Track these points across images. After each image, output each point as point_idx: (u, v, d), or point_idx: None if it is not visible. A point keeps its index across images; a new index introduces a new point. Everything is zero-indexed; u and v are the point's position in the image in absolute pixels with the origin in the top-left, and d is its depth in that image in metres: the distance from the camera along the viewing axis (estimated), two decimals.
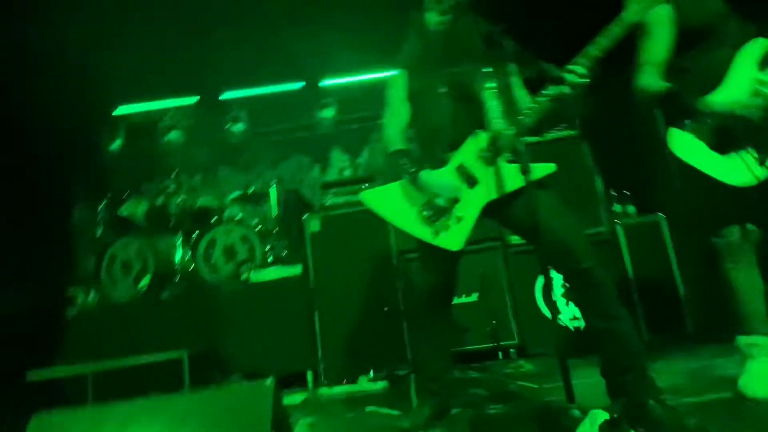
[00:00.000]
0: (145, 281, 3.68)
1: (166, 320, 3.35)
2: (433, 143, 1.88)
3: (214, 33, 4.44)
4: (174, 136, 5.33)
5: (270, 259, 3.97)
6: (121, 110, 5.53)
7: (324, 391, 3.10)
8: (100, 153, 5.34)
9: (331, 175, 5.38)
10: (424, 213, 1.82)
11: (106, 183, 4.52)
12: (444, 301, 2.06)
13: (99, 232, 4.27)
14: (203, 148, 5.48)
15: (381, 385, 3.06)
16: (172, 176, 4.45)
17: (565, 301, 3.20)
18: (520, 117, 1.69)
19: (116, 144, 5.23)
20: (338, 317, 3.38)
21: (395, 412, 2.30)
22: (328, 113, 5.65)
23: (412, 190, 1.86)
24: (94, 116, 5.45)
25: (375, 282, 3.44)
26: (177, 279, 3.78)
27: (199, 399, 1.26)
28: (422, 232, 1.82)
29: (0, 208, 4.36)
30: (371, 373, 3.21)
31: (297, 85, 5.82)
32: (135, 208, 4.10)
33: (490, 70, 1.80)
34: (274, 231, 4.26)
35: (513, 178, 1.71)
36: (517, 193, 1.72)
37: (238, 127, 5.32)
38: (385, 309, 3.40)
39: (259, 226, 4.14)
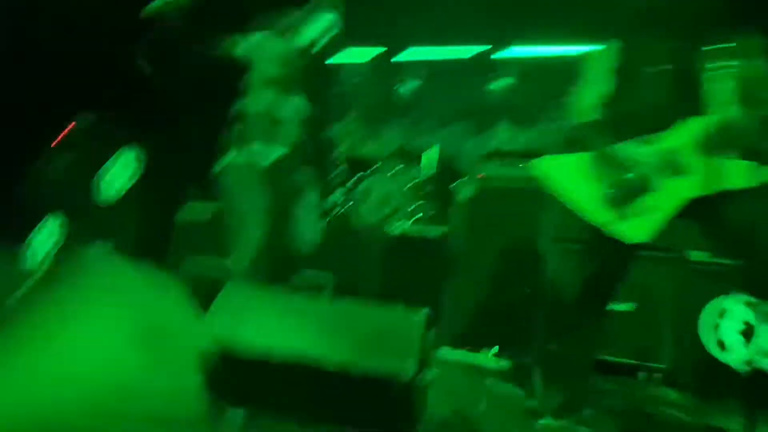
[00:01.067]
0: None
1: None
2: (638, 122, 1.69)
3: None
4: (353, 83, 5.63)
5: (416, 217, 4.07)
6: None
7: (443, 351, 3.14)
8: None
9: (495, 147, 5.22)
10: (610, 193, 1.66)
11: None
12: (602, 298, 1.91)
13: None
14: (375, 99, 5.72)
15: (503, 363, 3.01)
16: (346, 121, 4.76)
17: (742, 339, 2.73)
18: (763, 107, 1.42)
19: None
20: (471, 286, 3.35)
21: (519, 391, 2.25)
22: (503, 83, 5.44)
23: (599, 165, 1.70)
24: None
25: (518, 262, 3.32)
26: (328, 219, 4.09)
27: (350, 311, 1.36)
28: (601, 215, 1.67)
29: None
30: (495, 348, 3.15)
31: (476, 50, 5.72)
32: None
33: (726, 46, 1.53)
34: (425, 191, 4.34)
35: (738, 176, 1.46)
36: (737, 195, 1.47)
37: (411, 85, 5.41)
38: (527, 291, 3.27)
39: (411, 184, 4.25)
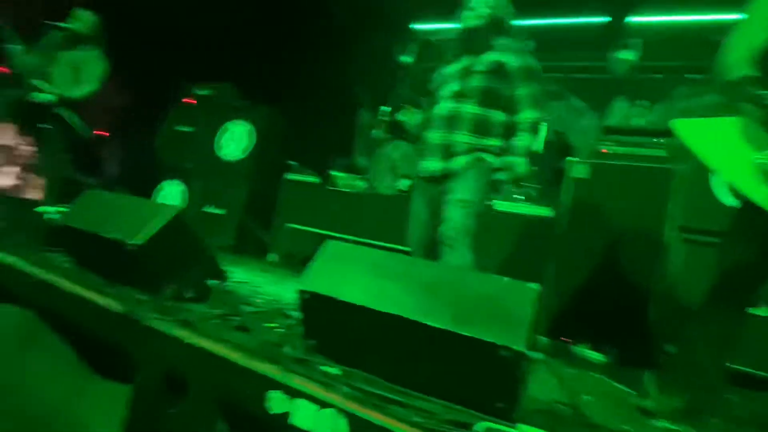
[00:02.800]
0: (404, 182, 4.03)
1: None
2: None
3: None
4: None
5: (518, 196, 3.85)
6: (418, 25, 5.97)
7: (543, 340, 2.95)
8: (392, 63, 5.89)
9: (611, 124, 4.76)
10: (767, 165, 1.38)
11: (393, 91, 4.96)
12: (749, 295, 1.63)
13: (377, 133, 4.81)
14: None
15: (609, 359, 2.75)
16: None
17: None
18: None
19: (408, 57, 5.65)
20: (577, 273, 3.08)
21: (629, 390, 2.03)
22: (627, 56, 4.90)
23: (755, 129, 1.41)
24: (393, 29, 6.04)
25: (635, 251, 2.99)
26: None
27: (461, 275, 1.27)
28: (753, 188, 1.39)
29: (299, 107, 5.37)
30: (600, 344, 2.90)
31: (597, 19, 5.21)
32: (411, 117, 4.42)
33: None
34: (532, 169, 4.07)
35: None
36: None
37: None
38: (636, 284, 2.95)
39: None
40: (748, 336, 2.60)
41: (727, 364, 1.77)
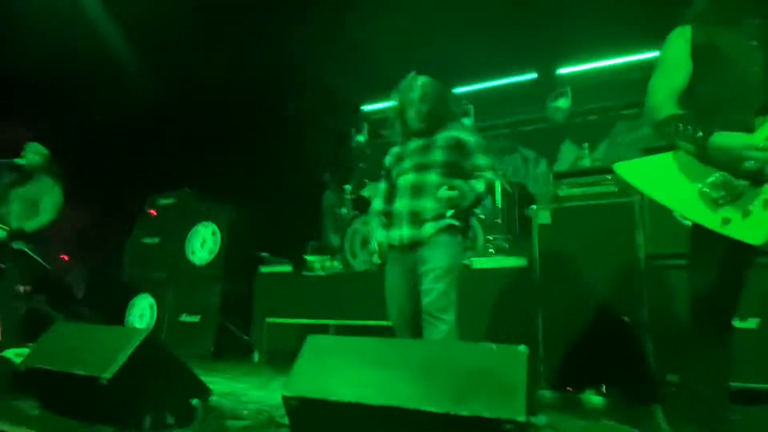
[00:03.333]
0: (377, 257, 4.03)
1: None
2: (732, 106, 1.50)
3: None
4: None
5: (491, 250, 3.91)
6: (366, 107, 6.29)
7: (546, 393, 2.87)
8: (348, 145, 6.12)
9: (562, 168, 5.00)
10: (710, 192, 1.46)
11: (353, 170, 5.10)
12: (725, 314, 1.65)
13: (344, 211, 4.87)
14: None
15: (614, 401, 2.69)
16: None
17: None
18: None
19: (362, 137, 5.88)
20: (565, 318, 3.07)
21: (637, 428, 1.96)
22: (562, 104, 5.27)
23: (691, 162, 1.51)
24: (342, 112, 6.35)
25: (613, 286, 3.02)
26: None
27: (449, 350, 1.24)
28: (704, 217, 1.46)
29: (263, 199, 5.47)
30: (603, 387, 2.84)
31: (528, 77, 5.63)
32: (374, 191, 4.52)
33: None
34: (497, 222, 4.19)
35: None
36: None
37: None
38: (626, 319, 2.96)
39: (482, 217, 4.10)
40: (740, 350, 2.61)
41: (727, 384, 1.74)
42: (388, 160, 2.42)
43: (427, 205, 2.15)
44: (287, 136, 6.10)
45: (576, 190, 3.35)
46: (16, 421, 1.68)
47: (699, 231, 1.61)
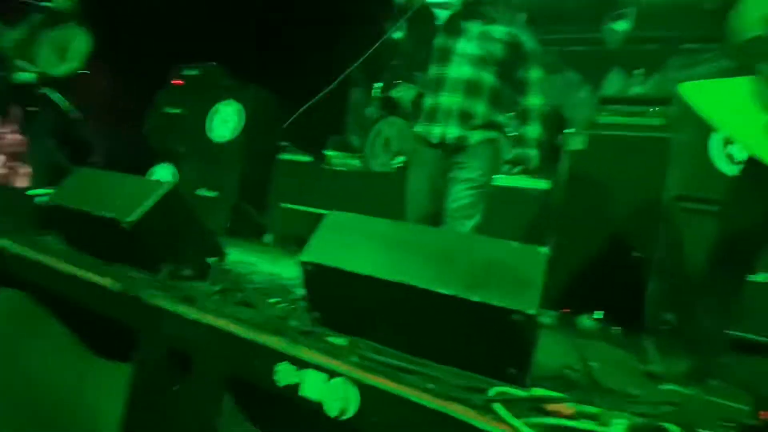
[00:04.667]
0: (398, 160, 3.98)
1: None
2: None
3: None
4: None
5: (518, 170, 3.82)
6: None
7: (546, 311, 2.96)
8: (382, 39, 5.79)
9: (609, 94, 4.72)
10: None
11: (384, 67, 4.87)
12: (748, 257, 1.62)
13: (371, 110, 4.74)
14: None
15: (609, 328, 2.77)
16: None
17: None
18: None
19: (399, 33, 5.53)
20: (575, 245, 3.07)
21: (632, 356, 2.04)
22: (621, 26, 4.85)
23: None
24: (381, 4, 5.93)
25: (632, 221, 2.99)
26: None
27: (469, 241, 1.24)
28: (764, 149, 1.37)
29: (290, 86, 5.29)
30: (600, 313, 2.91)
31: None
32: (404, 93, 4.35)
33: None
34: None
35: None
36: None
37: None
38: (635, 254, 2.95)
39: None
40: (746, 302, 2.62)
41: (728, 331, 1.77)
42: (439, 38, 2.20)
43: (480, 109, 2.05)
44: (321, 23, 5.77)
45: (618, 119, 3.18)
46: (45, 252, 1.77)
47: (748, 169, 1.53)
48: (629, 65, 4.94)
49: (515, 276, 1.16)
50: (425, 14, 5.53)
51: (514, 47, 2.08)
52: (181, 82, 5.12)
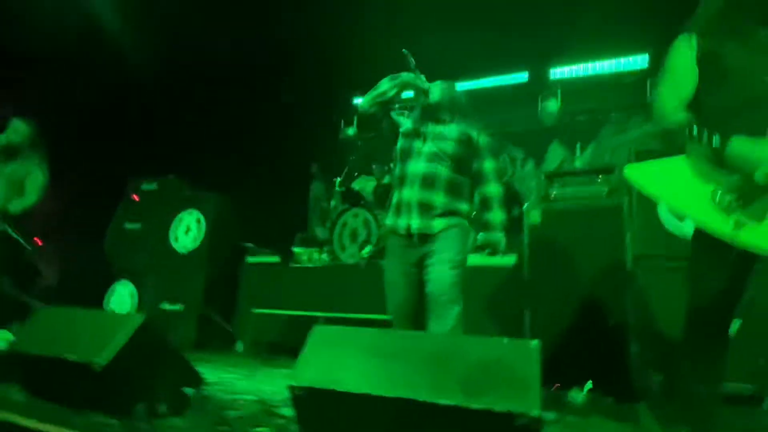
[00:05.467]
0: (367, 249, 4.02)
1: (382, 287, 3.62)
2: (748, 113, 1.53)
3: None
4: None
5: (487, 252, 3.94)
6: (357, 100, 6.26)
7: None
8: (337, 137, 6.09)
9: (550, 168, 5.07)
10: (724, 197, 1.48)
11: (342, 162, 5.06)
12: (725, 320, 1.69)
13: (333, 203, 4.84)
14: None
15: (601, 400, 2.74)
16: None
17: None
18: None
19: (352, 130, 5.83)
20: (552, 318, 3.11)
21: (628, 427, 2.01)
22: (552, 106, 5.33)
23: (704, 166, 1.53)
24: (335, 105, 6.30)
25: (601, 286, 3.08)
26: None
27: (459, 343, 1.24)
28: (715, 222, 1.49)
29: (253, 186, 5.41)
30: (589, 384, 2.89)
31: (520, 77, 5.68)
32: (365, 184, 4.50)
33: None
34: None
35: None
36: None
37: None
38: (610, 322, 3.02)
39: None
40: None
41: (721, 386, 1.78)
42: (400, 141, 2.36)
43: (438, 199, 2.16)
44: (275, 125, 6.02)
45: (567, 190, 3.39)
46: (5, 407, 1.62)
47: (705, 235, 1.64)
48: (566, 138, 5.39)
49: (512, 375, 1.16)
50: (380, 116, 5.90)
51: (466, 143, 2.26)
52: (137, 197, 5.09)
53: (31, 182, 3.20)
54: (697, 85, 1.69)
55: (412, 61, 2.29)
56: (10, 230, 3.08)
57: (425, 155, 2.23)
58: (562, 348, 3.03)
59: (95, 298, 4.81)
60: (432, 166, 2.20)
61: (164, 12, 4.74)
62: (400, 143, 2.35)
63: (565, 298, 3.10)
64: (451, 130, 2.27)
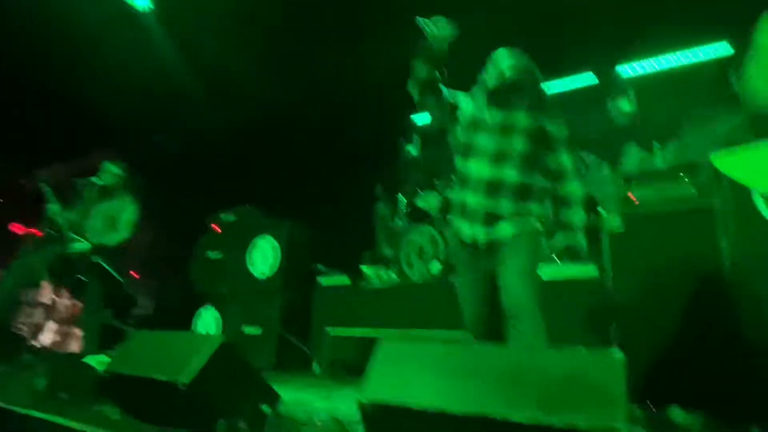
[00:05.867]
0: (435, 266, 3.96)
1: (453, 303, 3.53)
2: None
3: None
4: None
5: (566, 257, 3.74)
6: (415, 117, 6.33)
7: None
8: (399, 156, 6.14)
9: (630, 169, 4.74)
10: None
11: (406, 179, 5.08)
12: None
13: (399, 222, 4.85)
14: None
15: (704, 421, 2.46)
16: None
17: None
18: None
19: (413, 147, 5.87)
20: (642, 331, 2.86)
21: None
22: (625, 106, 5.03)
23: None
24: (394, 125, 6.39)
25: (697, 297, 2.80)
26: None
27: (536, 356, 1.17)
28: None
29: (320, 207, 5.58)
30: (690, 404, 2.60)
31: (587, 78, 5.44)
32: (430, 201, 4.47)
33: None
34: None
35: None
36: None
37: None
38: (713, 336, 2.73)
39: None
40: None
41: None
42: (458, 132, 2.12)
43: (505, 206, 1.96)
44: (341, 154, 6.21)
45: (649, 192, 3.14)
46: (102, 425, 1.75)
47: None
48: (642, 138, 5.03)
49: (595, 389, 1.06)
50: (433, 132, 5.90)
51: (538, 136, 2.00)
52: (218, 228, 5.42)
53: (124, 218, 3.51)
54: None
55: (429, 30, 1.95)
56: (103, 263, 3.39)
57: (490, 155, 2.00)
58: (655, 365, 2.77)
59: (185, 324, 5.15)
60: (498, 168, 1.97)
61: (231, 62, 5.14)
62: (460, 134, 2.11)
63: (657, 312, 2.84)
64: (521, 118, 2.00)
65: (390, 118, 6.35)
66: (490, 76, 2.08)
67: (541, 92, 2.15)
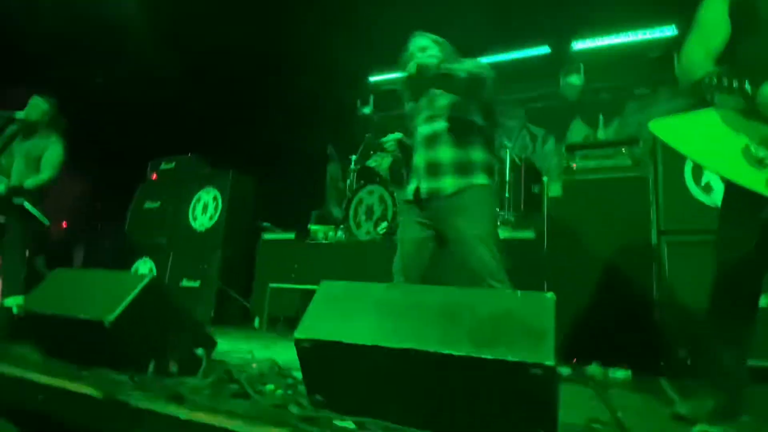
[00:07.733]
0: (382, 226, 3.97)
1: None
2: None
3: None
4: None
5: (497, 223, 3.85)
6: (373, 78, 6.18)
7: None
8: (354, 116, 6.04)
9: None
10: (758, 150, 1.38)
11: (358, 141, 5.00)
12: (755, 283, 1.60)
13: (348, 182, 4.80)
14: None
15: (621, 374, 2.65)
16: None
17: None
18: None
19: (368, 108, 5.78)
20: (572, 293, 3.02)
21: (653, 401, 1.93)
22: (575, 80, 5.16)
23: (735, 118, 1.44)
24: (351, 85, 6.24)
25: (624, 261, 2.98)
26: None
27: (470, 295, 1.19)
28: (748, 176, 1.38)
29: (268, 162, 5.42)
30: (609, 360, 2.80)
31: (541, 51, 5.51)
32: (380, 161, 4.44)
33: None
34: (505, 196, 4.13)
35: None
36: None
37: None
38: (633, 295, 2.92)
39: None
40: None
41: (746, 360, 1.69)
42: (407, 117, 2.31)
43: (444, 154, 2.02)
44: (293, 107, 6.01)
45: (589, 163, 3.27)
46: (19, 365, 1.63)
47: (735, 196, 1.55)
48: (588, 115, 5.21)
49: (525, 327, 1.10)
50: (389, 92, 5.81)
51: (448, 78, 2.00)
52: (156, 177, 5.15)
53: (47, 159, 3.22)
54: (730, 37, 1.59)
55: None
56: (27, 204, 3.12)
57: (424, 119, 2.15)
58: (582, 323, 2.94)
59: None
60: (431, 125, 2.10)
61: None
62: (408, 110, 2.29)
63: (586, 272, 3.01)
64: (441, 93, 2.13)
65: (347, 79, 6.19)
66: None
67: (446, 50, 2.20)
